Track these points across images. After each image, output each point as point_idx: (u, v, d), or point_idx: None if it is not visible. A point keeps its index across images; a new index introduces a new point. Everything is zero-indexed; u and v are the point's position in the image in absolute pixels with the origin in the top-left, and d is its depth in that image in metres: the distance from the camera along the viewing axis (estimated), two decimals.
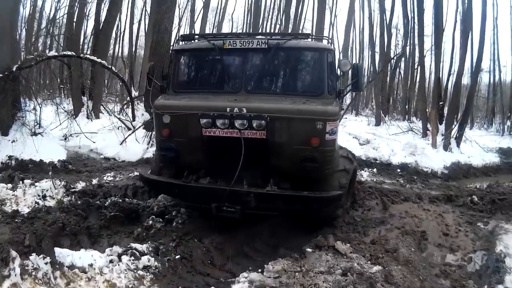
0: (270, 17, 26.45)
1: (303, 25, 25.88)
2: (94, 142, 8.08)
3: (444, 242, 4.58)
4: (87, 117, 9.63)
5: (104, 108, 10.73)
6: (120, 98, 13.58)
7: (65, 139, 8.18)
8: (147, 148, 7.58)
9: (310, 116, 3.95)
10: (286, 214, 4.44)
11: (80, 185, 5.15)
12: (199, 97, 4.46)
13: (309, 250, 3.31)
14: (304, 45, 4.75)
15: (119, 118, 8.74)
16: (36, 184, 4.80)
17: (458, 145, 12.25)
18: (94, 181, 5.56)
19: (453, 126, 12.46)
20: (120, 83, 13.86)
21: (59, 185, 4.90)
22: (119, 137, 7.85)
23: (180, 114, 4.11)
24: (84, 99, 9.75)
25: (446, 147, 11.93)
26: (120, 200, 4.54)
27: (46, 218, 3.88)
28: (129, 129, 8.44)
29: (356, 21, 23.05)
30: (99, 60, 8.39)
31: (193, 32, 6.74)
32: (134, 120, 8.63)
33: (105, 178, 5.90)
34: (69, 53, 8.33)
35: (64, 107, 9.23)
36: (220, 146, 4.15)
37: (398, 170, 9.02)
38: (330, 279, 2.86)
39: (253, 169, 4.09)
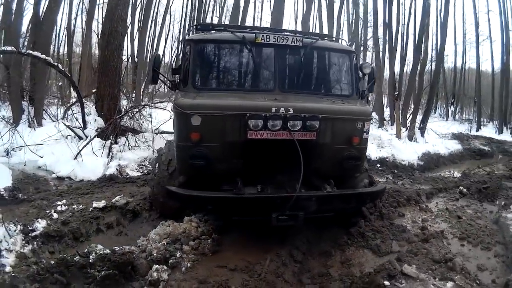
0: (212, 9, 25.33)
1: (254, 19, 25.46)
2: (41, 157, 6.47)
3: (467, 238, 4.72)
4: (29, 126, 7.76)
5: (47, 113, 8.89)
6: (62, 101, 11.52)
7: (7, 154, 6.43)
8: (108, 162, 6.27)
9: (354, 116, 4.07)
10: (340, 214, 4.41)
11: (40, 225, 3.87)
12: (231, 95, 4.03)
13: (386, 283, 2.66)
14: (335, 46, 4.81)
15: (68, 126, 7.16)
16: None
17: (422, 134, 12.74)
18: (55, 215, 4.29)
19: (415, 116, 12.88)
20: (60, 84, 11.94)
21: (15, 230, 3.60)
22: (72, 150, 6.39)
23: (217, 115, 3.66)
24: (25, 104, 7.87)
25: (411, 137, 12.34)
26: (108, 251, 3.33)
27: None
28: (80, 138, 6.98)
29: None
30: (43, 56, 6.73)
31: (209, 22, 5.57)
32: (85, 127, 7.13)
33: (65, 207, 4.58)
34: (9, 48, 6.55)
35: (3, 116, 7.43)
36: (265, 150, 3.86)
37: (378, 165, 9.01)
38: None
39: (296, 171, 3.77)
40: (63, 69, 7.78)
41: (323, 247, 4.19)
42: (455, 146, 12.13)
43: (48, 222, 4.04)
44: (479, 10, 22.16)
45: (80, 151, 6.29)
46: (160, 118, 8.06)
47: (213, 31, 4.48)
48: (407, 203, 5.94)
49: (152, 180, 4.78)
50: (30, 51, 6.61)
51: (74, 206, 4.64)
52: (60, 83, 12.94)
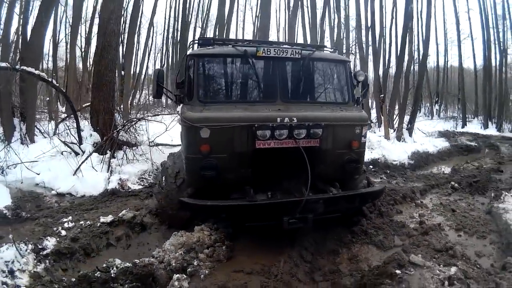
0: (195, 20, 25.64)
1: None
2: (38, 174, 6.42)
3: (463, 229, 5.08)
4: (22, 143, 7.67)
5: (39, 130, 8.81)
6: (51, 116, 11.40)
7: (2, 172, 6.37)
8: (109, 176, 6.31)
9: (352, 122, 4.37)
10: (343, 215, 4.63)
11: (50, 243, 3.88)
12: (236, 107, 4.21)
13: (398, 272, 2.89)
14: (330, 57, 5.09)
15: (64, 142, 7.15)
16: None
17: (410, 134, 13.18)
18: (64, 232, 4.31)
19: (402, 117, 13.33)
20: (48, 99, 11.85)
21: (26, 249, 3.59)
22: (70, 165, 6.41)
23: (225, 127, 3.86)
24: (16, 121, 7.80)
25: (399, 138, 12.74)
26: (129, 264, 3.40)
27: None
28: (76, 153, 6.98)
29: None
30: (37, 72, 6.72)
31: (208, 37, 5.81)
32: (81, 142, 7.15)
33: (72, 224, 4.59)
34: (3, 64, 6.48)
35: None
36: (272, 158, 4.13)
37: (371, 167, 9.27)
38: None
39: (301, 176, 4.15)
40: (57, 85, 7.80)
41: (329, 246, 4.42)
42: (442, 143, 12.62)
43: (58, 239, 4.06)
44: (459, 10, 23.19)
45: (79, 166, 6.29)
46: (155, 131, 8.17)
47: (212, 46, 4.68)
48: (403, 200, 6.25)
49: (159, 193, 4.86)
50: (25, 67, 6.55)
51: (81, 222, 4.67)
52: (47, 98, 12.81)
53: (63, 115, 9.72)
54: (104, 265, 3.43)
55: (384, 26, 18.33)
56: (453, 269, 3.07)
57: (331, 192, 4.18)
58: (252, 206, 3.82)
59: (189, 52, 4.73)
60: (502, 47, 20.77)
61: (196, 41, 5.06)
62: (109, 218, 4.75)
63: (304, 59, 4.48)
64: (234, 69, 4.61)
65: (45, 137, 8.50)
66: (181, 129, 4.41)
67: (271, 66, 4.49)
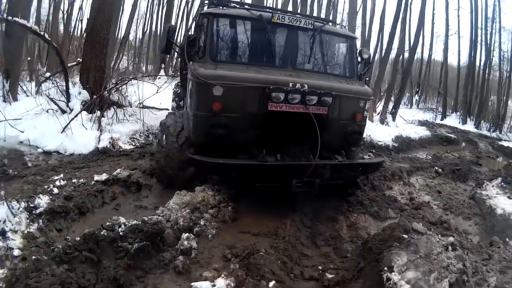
0: None
1: None
2: (22, 132, 6.06)
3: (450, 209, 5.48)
4: (4, 101, 7.20)
5: (22, 88, 8.29)
6: (35, 75, 10.72)
7: None
8: (99, 135, 6.12)
9: (358, 95, 4.60)
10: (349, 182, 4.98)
11: (43, 201, 3.71)
12: (248, 69, 4.25)
13: (405, 236, 3.10)
14: (340, 32, 5.36)
15: (51, 99, 6.77)
16: None
17: (393, 119, 13.64)
18: (56, 190, 4.09)
19: (388, 101, 13.76)
20: (29, 58, 11.12)
21: (18, 208, 3.41)
22: (58, 123, 6.13)
23: (238, 87, 3.93)
24: None
25: (383, 121, 13.15)
26: (138, 222, 3.30)
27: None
28: (63, 112, 6.67)
29: None
30: (30, 24, 6.24)
31: None
32: (69, 100, 6.81)
33: (64, 182, 4.41)
34: None
35: None
36: (282, 122, 4.21)
37: None
38: (452, 255, 2.89)
39: (306, 142, 4.35)
40: (49, 39, 7.31)
41: (328, 213, 4.62)
42: (424, 132, 13.16)
43: (51, 197, 3.90)
44: (450, 7, 23.65)
45: (68, 124, 6.04)
46: (145, 93, 7.97)
47: (226, 7, 4.77)
48: (392, 178, 6.55)
49: (158, 152, 4.82)
50: (17, 19, 6.05)
51: (74, 180, 4.53)
52: (29, 58, 12.02)
53: (47, 74, 9.14)
54: (108, 223, 3.29)
55: (374, 12, 18.48)
56: (451, 239, 3.28)
57: (337, 159, 4.40)
58: (263, 167, 3.92)
59: (204, 10, 4.74)
60: (488, 49, 21.58)
61: (210, 0, 5.04)
62: (104, 177, 4.67)
63: (316, 30, 4.61)
64: (248, 32, 4.65)
65: (27, 96, 8.03)
66: (190, 86, 4.39)
67: (284, 33, 4.62)
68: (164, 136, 4.77)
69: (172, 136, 4.57)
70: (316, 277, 3.23)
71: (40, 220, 3.48)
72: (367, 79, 5.37)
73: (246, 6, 4.86)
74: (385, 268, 2.79)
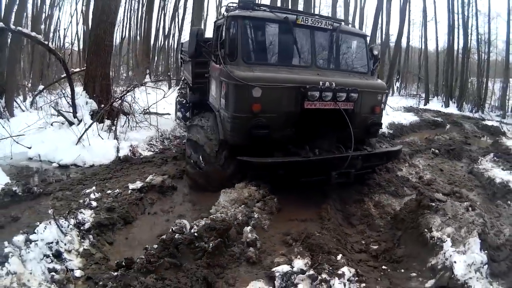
0: None
1: None
2: (29, 148, 6.37)
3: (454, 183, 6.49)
4: (1, 117, 7.39)
5: (17, 103, 8.46)
6: (27, 89, 10.76)
7: None
8: (118, 143, 6.58)
9: (377, 90, 5.35)
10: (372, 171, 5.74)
11: (86, 216, 3.90)
12: (279, 70, 4.76)
13: (432, 204, 4.03)
14: (354, 31, 6.10)
15: (59, 111, 7.12)
16: (33, 238, 3.19)
17: (384, 107, 14.74)
18: (94, 203, 4.30)
19: None
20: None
21: (68, 226, 3.57)
22: (68, 136, 6.52)
23: (277, 87, 4.40)
24: None
25: None
26: (209, 221, 3.68)
27: None
28: (70, 123, 7.06)
29: None
30: (33, 34, 6.54)
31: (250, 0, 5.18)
32: (76, 111, 7.19)
33: (98, 194, 4.64)
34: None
35: None
36: (315, 118, 4.71)
37: None
38: (473, 213, 3.78)
39: (334, 135, 5.01)
40: (54, 48, 7.62)
41: (354, 197, 5.40)
42: (412, 117, 14.43)
43: (93, 211, 4.07)
44: None
45: (82, 135, 6.44)
46: (147, 99, 8.45)
47: (251, 10, 5.15)
48: (398, 161, 7.49)
49: (196, 174, 5.19)
50: (21, 28, 6.38)
51: (108, 191, 4.80)
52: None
53: (41, 87, 9.34)
54: (176, 226, 3.56)
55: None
56: (466, 203, 4.21)
57: (366, 150, 5.09)
58: (308, 162, 4.46)
59: (231, 13, 5.04)
60: (465, 32, 23.54)
61: (236, 3, 5.43)
62: (139, 185, 4.97)
63: (335, 30, 5.23)
64: (275, 34, 5.11)
65: (23, 111, 8.26)
66: (225, 88, 4.76)
67: (307, 34, 5.12)
68: (200, 157, 5.05)
69: (211, 156, 4.93)
70: (364, 249, 4.01)
71: (91, 236, 3.68)
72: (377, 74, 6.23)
73: (267, 9, 5.36)
74: (425, 230, 3.66)
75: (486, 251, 3.08)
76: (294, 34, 4.95)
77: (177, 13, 25.39)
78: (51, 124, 7.13)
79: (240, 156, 4.58)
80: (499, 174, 6.34)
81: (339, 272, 2.88)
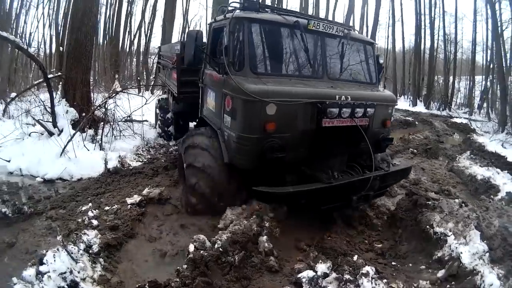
0: None
1: None
2: (8, 161, 6.18)
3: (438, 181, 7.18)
4: None
5: None
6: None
7: None
8: (106, 154, 6.60)
9: (389, 102, 5.07)
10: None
11: (90, 237, 3.84)
12: (292, 82, 4.34)
13: (429, 202, 4.62)
14: (364, 38, 5.67)
15: (38, 121, 6.93)
16: (44, 270, 3.10)
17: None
18: (95, 222, 4.33)
19: None
20: None
21: (78, 251, 3.50)
22: (49, 147, 6.42)
23: (292, 103, 3.98)
24: None
25: None
26: (230, 234, 3.77)
27: None
28: (50, 134, 6.95)
29: None
30: (12, 37, 6.34)
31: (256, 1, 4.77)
32: (56, 121, 7.04)
33: (96, 211, 4.64)
34: None
35: None
36: (330, 136, 4.33)
37: None
38: (466, 209, 4.39)
39: (347, 154, 4.83)
40: (33, 54, 7.40)
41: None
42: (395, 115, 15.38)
43: (97, 231, 4.03)
44: None
45: (66, 146, 6.35)
46: (126, 106, 8.46)
47: (256, 11, 4.67)
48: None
49: (205, 206, 4.77)
50: (1, 32, 6.13)
51: (106, 208, 4.80)
52: None
53: (13, 94, 9.00)
54: (196, 243, 3.64)
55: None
56: (458, 200, 4.81)
57: (382, 169, 4.77)
58: (331, 188, 4.11)
59: (237, 14, 4.51)
60: (432, 32, 25.42)
61: (238, 3, 4.86)
62: (137, 199, 5.02)
63: (346, 37, 4.85)
64: (285, 40, 4.60)
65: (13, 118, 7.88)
66: (230, 104, 4.31)
67: (318, 41, 4.73)
68: (209, 188, 4.63)
69: (224, 188, 4.59)
70: (370, 248, 4.45)
71: (101, 259, 3.64)
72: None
73: (274, 11, 4.92)
74: (427, 226, 4.18)
75: (485, 241, 3.63)
76: (305, 41, 4.51)
77: (143, 18, 25.21)
78: (29, 135, 6.96)
79: (248, 183, 4.29)
80: (479, 171, 7.12)
81: (364, 271, 3.25)
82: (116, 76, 14.49)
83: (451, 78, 24.86)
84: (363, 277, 3.18)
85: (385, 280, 3.31)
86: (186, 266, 3.34)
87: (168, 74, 8.15)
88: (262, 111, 3.92)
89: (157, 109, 8.88)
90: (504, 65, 18.08)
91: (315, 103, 4.12)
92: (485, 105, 21.90)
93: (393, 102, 5.16)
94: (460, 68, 27.52)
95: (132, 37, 26.15)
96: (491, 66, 21.87)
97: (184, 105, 7.55)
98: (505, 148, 11.40)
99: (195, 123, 8.23)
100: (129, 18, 24.70)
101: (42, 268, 3.08)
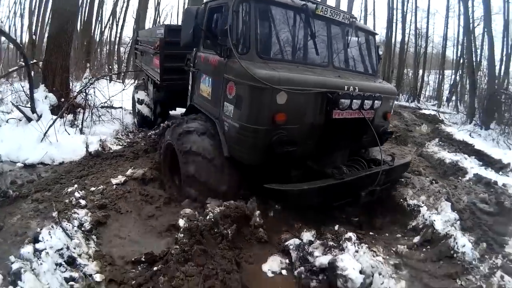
0: None
1: None
2: None
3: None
4: None
5: None
6: None
7: None
8: (87, 138, 6.65)
9: (392, 95, 5.02)
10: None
11: (81, 215, 3.93)
12: (299, 69, 4.09)
13: (402, 179, 5.08)
14: (367, 27, 5.50)
15: (17, 107, 6.79)
16: (41, 247, 3.14)
17: None
18: (83, 202, 4.41)
19: None
20: None
21: (72, 228, 3.60)
22: (29, 133, 6.41)
23: (304, 92, 3.79)
24: None
25: None
26: (224, 208, 3.86)
27: None
28: (29, 120, 6.89)
29: None
30: None
31: None
32: (34, 106, 6.93)
33: (82, 192, 4.73)
34: None
35: None
36: (338, 128, 4.20)
37: None
38: (436, 185, 4.93)
39: (347, 148, 4.81)
40: (14, 38, 7.28)
41: None
42: None
43: (87, 210, 4.15)
44: None
45: (47, 131, 6.38)
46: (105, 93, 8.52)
47: None
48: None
49: (196, 195, 4.45)
50: None
51: (92, 188, 4.91)
52: None
53: None
54: (185, 214, 3.81)
55: None
56: (430, 178, 5.29)
57: (386, 163, 4.61)
58: (342, 184, 4.00)
59: None
60: (403, 27, 26.67)
61: None
62: (122, 179, 5.19)
63: (351, 26, 4.71)
64: (291, 23, 4.33)
65: None
66: (232, 90, 4.01)
67: (324, 28, 4.53)
68: (213, 177, 4.33)
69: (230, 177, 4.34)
70: (347, 222, 4.76)
71: (94, 236, 3.77)
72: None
73: None
74: (401, 200, 4.62)
75: (455, 211, 4.09)
76: (312, 26, 4.26)
77: (116, 7, 24.78)
78: (7, 121, 6.90)
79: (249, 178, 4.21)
80: (448, 156, 7.73)
81: (347, 236, 3.62)
82: (88, 64, 14.31)
83: (420, 71, 26.10)
84: (346, 242, 3.54)
85: (366, 245, 3.65)
86: (182, 235, 3.43)
87: (149, 60, 7.91)
88: (272, 99, 3.63)
89: (135, 96, 8.73)
90: (474, 60, 19.18)
91: (325, 93, 3.95)
92: (454, 98, 23.14)
93: (395, 94, 5.07)
94: (430, 62, 28.93)
95: (103, 26, 25.71)
96: (461, 61, 23.12)
97: (165, 93, 7.37)
98: (472, 137, 12.27)
99: (175, 111, 8.48)
100: (101, 8, 24.24)
101: (39, 246, 3.11)
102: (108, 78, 8.87)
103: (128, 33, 28.49)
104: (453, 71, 24.55)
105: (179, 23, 6.78)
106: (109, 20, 25.83)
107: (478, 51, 20.89)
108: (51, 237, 3.23)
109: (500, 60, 19.73)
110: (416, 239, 4.02)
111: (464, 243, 3.67)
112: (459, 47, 24.05)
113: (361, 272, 3.16)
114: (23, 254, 2.94)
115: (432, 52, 30.19)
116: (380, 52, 5.43)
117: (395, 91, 5.16)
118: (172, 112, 8.58)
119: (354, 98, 3.99)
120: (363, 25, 5.50)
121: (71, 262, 3.15)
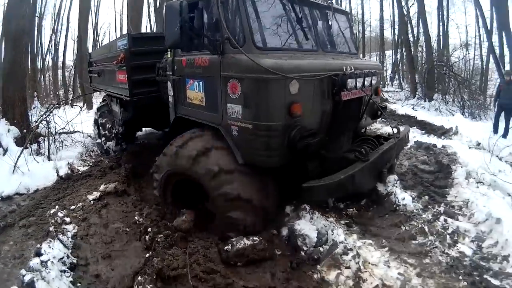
0: None
1: None
2: None
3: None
4: None
5: None
6: None
7: None
8: (56, 164, 7.12)
9: (381, 70, 5.39)
10: None
11: (72, 230, 4.53)
12: (295, 55, 4.04)
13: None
14: (342, 9, 5.91)
15: None
16: (45, 258, 3.63)
17: None
18: (68, 219, 4.85)
19: None
20: None
21: (68, 239, 4.30)
22: (0, 166, 6.76)
23: (314, 78, 3.74)
24: None
25: None
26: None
27: None
28: None
29: None
30: None
31: None
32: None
33: (64, 212, 5.10)
34: None
35: None
36: (346, 111, 4.24)
37: None
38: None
39: (353, 129, 5.04)
40: None
41: None
42: None
43: (74, 225, 4.67)
44: None
45: (17, 162, 6.76)
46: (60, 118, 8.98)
47: None
48: None
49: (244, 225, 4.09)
50: None
51: (72, 207, 5.34)
52: None
53: None
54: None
55: None
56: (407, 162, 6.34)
57: (396, 135, 4.76)
58: (369, 165, 4.05)
59: None
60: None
61: None
62: (97, 194, 5.71)
63: (329, 8, 4.88)
64: (280, 10, 4.30)
65: None
66: (236, 89, 3.74)
67: (309, 12, 4.60)
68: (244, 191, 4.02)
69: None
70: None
71: (87, 244, 4.27)
72: None
73: None
74: None
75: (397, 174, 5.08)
76: (299, 11, 4.34)
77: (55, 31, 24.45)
78: None
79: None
80: (389, 130, 8.57)
81: (302, 207, 4.35)
82: (35, 93, 14.31)
83: (361, 55, 27.94)
84: (302, 211, 4.32)
85: (319, 212, 4.35)
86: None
87: (111, 79, 7.34)
88: (286, 90, 3.48)
89: (97, 119, 8.40)
90: (411, 39, 20.88)
91: (330, 77, 3.92)
92: (397, 76, 25.01)
93: (382, 69, 5.61)
94: (369, 46, 30.83)
95: (44, 52, 25.31)
96: (399, 41, 24.98)
97: (134, 110, 6.85)
98: (416, 110, 13.61)
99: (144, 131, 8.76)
100: (40, 34, 23.88)
101: (43, 258, 3.55)
102: (64, 104, 9.23)
103: (69, 57, 28.24)
104: (393, 51, 26.47)
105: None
106: (49, 45, 25.45)
107: (415, 29, 22.60)
108: (52, 249, 3.73)
109: (437, 35, 21.60)
110: (363, 202, 4.91)
111: (404, 196, 4.59)
112: (396, 27, 25.90)
113: (317, 232, 3.93)
114: (32, 265, 3.35)
115: (371, 36, 32.20)
116: (355, 31, 5.63)
117: (381, 66, 5.49)
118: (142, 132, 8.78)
119: (358, 76, 4.01)
120: (338, 7, 5.83)
121: (74, 268, 3.73)
